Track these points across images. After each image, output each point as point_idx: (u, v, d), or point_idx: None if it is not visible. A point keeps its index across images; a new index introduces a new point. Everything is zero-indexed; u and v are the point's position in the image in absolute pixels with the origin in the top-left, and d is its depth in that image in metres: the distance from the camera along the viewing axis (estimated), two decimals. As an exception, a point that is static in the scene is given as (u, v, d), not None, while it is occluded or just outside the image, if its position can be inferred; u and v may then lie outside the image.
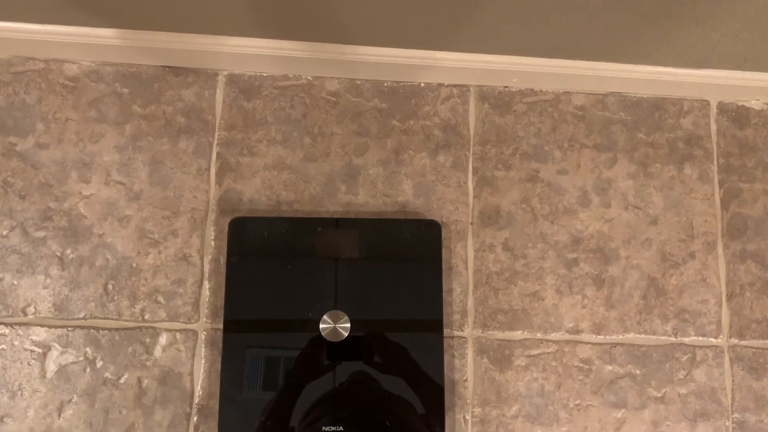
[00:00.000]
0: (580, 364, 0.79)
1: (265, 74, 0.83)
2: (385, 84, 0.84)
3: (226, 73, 0.83)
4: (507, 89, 0.85)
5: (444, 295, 0.78)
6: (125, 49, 0.78)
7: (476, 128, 0.84)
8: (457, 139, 0.84)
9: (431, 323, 0.76)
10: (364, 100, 0.84)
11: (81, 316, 0.76)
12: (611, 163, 0.85)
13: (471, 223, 0.82)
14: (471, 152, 0.84)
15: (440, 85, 0.85)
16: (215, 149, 0.81)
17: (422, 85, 0.85)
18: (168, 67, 0.82)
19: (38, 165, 0.78)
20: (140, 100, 0.81)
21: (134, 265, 0.77)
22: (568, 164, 0.84)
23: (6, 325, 0.75)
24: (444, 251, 0.80)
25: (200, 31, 0.76)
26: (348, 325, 0.74)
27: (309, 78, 0.83)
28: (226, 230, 0.77)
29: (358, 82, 0.84)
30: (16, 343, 0.75)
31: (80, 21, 0.74)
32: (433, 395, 0.74)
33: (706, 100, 0.87)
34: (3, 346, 0.74)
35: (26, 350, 0.74)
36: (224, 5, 0.69)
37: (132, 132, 0.80)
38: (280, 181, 0.81)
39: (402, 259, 0.78)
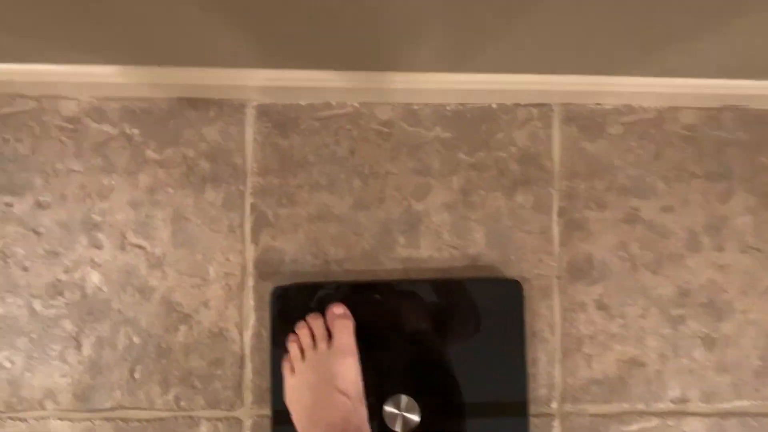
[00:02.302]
0: (688, 441, 0.68)
1: (302, 103, 0.68)
2: (448, 108, 0.69)
3: (255, 103, 0.67)
4: (600, 107, 0.69)
5: (527, 366, 0.66)
6: (130, 85, 0.63)
7: (562, 158, 0.69)
8: (538, 173, 0.69)
9: (514, 405, 0.65)
10: (423, 129, 0.69)
11: (107, 406, 0.65)
12: (726, 196, 0.70)
13: (557, 278, 0.68)
14: (556, 189, 0.69)
15: (516, 105, 0.69)
16: (248, 200, 0.67)
17: (494, 106, 0.69)
18: (184, 99, 0.67)
19: (40, 229, 0.66)
20: (154, 142, 0.67)
21: (163, 344, 0.66)
22: (674, 199, 0.69)
23: (21, 420, 0.65)
24: (525, 313, 0.67)
25: (220, 65, 0.60)
26: (417, 415, 0.63)
27: (355, 105, 0.68)
28: (267, 298, 0.65)
29: (415, 107, 0.69)
30: (35, 441, 0.65)
31: (75, 59, 0.59)
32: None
33: None
34: (21, 444, 0.65)
35: (48, 449, 0.65)
36: (245, 39, 0.53)
37: (147, 183, 0.67)
38: (327, 235, 0.67)
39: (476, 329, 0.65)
